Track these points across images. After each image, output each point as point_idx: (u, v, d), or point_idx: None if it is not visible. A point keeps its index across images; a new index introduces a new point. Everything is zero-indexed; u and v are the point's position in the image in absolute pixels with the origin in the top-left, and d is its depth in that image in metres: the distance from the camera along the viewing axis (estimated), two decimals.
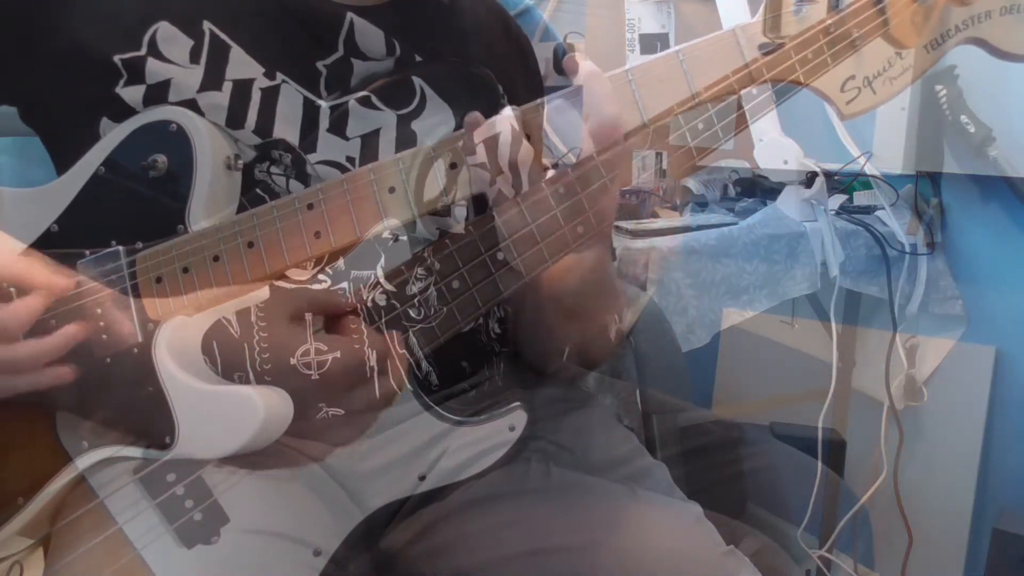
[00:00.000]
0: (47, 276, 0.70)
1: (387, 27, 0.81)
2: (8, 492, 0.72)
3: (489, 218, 0.71)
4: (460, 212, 0.79)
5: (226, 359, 0.70)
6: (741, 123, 0.68)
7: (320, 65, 0.79)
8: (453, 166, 0.69)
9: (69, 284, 0.70)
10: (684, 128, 0.68)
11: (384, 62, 0.81)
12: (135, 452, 0.71)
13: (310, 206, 0.70)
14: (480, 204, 0.75)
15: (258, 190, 0.74)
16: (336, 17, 0.79)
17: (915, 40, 0.67)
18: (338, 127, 0.78)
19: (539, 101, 0.69)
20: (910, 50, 0.68)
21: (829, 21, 0.67)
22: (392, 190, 0.69)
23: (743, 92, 0.68)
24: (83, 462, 0.71)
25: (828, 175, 1.59)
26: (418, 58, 0.82)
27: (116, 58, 0.74)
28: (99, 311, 0.70)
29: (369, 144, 0.78)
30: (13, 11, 0.76)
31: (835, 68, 0.67)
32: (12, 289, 0.68)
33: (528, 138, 0.68)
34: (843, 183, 1.68)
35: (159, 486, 0.69)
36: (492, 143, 0.67)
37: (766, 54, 0.67)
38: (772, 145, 1.58)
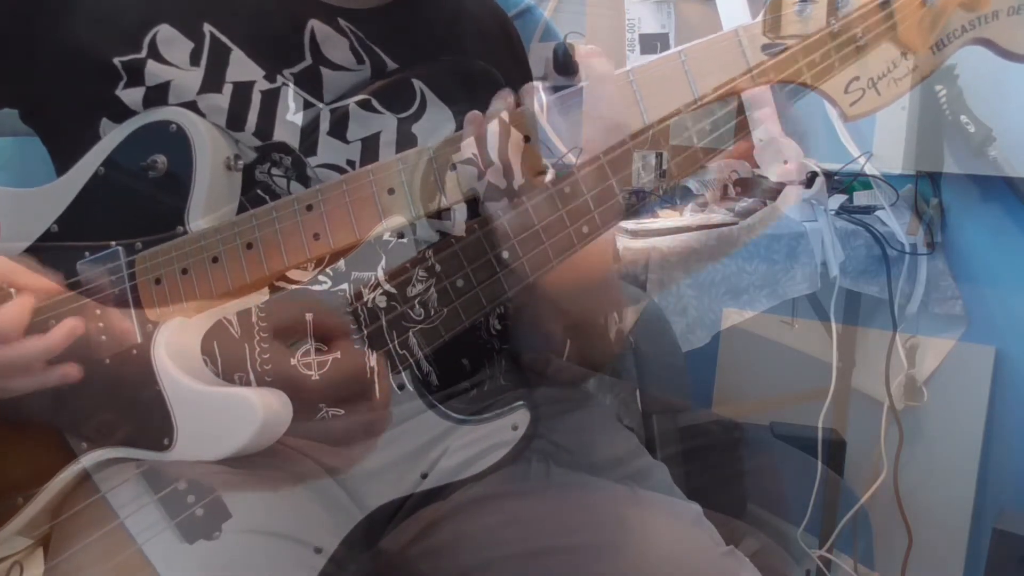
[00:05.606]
0: (33, 277, 0.70)
1: (370, 34, 0.80)
2: (8, 492, 0.72)
3: (493, 217, 0.71)
4: (461, 214, 0.79)
5: (226, 360, 0.70)
6: (744, 127, 0.68)
7: (287, 73, 0.78)
8: (453, 167, 0.69)
9: (56, 285, 0.70)
10: (691, 130, 0.68)
11: (358, 72, 0.80)
12: (134, 453, 0.71)
13: (309, 207, 0.70)
14: (475, 202, 0.75)
15: (259, 191, 0.74)
16: (297, 24, 0.78)
17: (923, 44, 0.67)
18: (338, 130, 0.78)
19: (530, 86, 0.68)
20: (915, 51, 0.67)
21: (836, 24, 0.66)
22: (391, 191, 0.69)
23: (745, 95, 0.68)
24: (82, 463, 0.71)
25: (828, 175, 1.58)
26: (394, 65, 0.81)
27: (116, 60, 0.74)
28: (98, 312, 0.70)
29: (369, 147, 0.78)
30: (13, 14, 0.76)
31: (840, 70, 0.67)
32: (12, 291, 0.68)
33: (527, 139, 0.67)
34: (843, 183, 1.68)
35: (161, 481, 0.69)
36: (481, 135, 0.67)
37: (773, 55, 0.67)
38: (772, 145, 1.57)
